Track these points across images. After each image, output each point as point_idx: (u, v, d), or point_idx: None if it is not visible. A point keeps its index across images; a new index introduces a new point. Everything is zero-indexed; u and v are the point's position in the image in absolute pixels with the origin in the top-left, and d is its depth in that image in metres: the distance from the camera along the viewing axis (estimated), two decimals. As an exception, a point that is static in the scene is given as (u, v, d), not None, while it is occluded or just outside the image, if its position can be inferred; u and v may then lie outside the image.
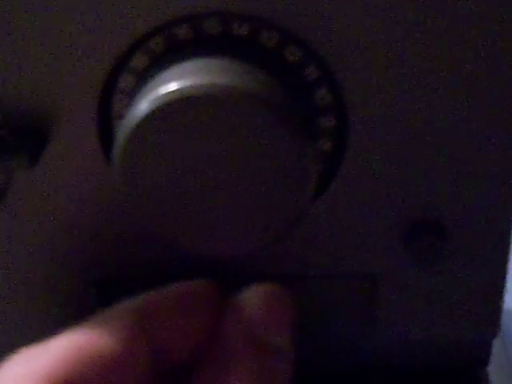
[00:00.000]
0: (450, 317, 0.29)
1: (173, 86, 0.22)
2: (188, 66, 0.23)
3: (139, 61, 0.25)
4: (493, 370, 0.32)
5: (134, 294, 0.30)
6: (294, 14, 0.24)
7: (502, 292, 0.29)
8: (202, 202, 0.23)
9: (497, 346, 0.33)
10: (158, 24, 0.24)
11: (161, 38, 0.24)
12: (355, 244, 0.27)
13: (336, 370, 0.31)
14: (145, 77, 0.24)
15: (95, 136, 0.25)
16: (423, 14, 0.24)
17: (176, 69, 0.23)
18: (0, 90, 0.25)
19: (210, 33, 0.24)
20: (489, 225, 0.27)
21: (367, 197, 0.26)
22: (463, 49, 0.24)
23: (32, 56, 0.24)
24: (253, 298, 0.25)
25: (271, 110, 0.22)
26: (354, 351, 0.31)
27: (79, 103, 0.25)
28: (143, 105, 0.22)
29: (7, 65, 0.24)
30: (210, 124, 0.22)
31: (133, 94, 0.24)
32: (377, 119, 0.25)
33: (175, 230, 0.24)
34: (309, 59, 0.24)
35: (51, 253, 0.28)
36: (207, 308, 0.25)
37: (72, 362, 0.22)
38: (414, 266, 0.28)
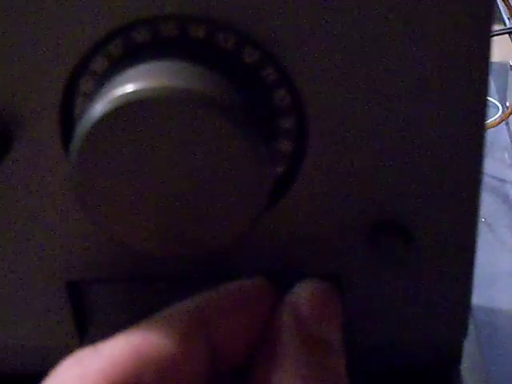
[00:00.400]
0: (419, 317, 0.29)
1: (127, 89, 0.22)
2: (145, 68, 0.23)
3: (99, 64, 0.25)
4: (466, 368, 0.32)
5: (104, 294, 0.30)
6: (251, 16, 0.24)
7: (469, 290, 0.29)
8: (156, 203, 0.23)
9: (470, 344, 0.33)
10: (116, 27, 0.24)
11: (119, 42, 0.25)
12: (319, 244, 0.27)
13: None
14: (103, 79, 0.24)
15: (58, 139, 0.26)
16: (379, 16, 0.24)
17: (133, 71, 0.23)
18: None
19: (168, 35, 0.24)
20: (454, 223, 0.27)
21: (329, 197, 0.26)
22: (419, 49, 0.24)
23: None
24: (303, 294, 0.25)
25: (223, 111, 0.22)
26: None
27: (41, 106, 0.25)
28: (98, 107, 0.22)
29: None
30: (164, 126, 0.23)
31: (92, 97, 0.25)
32: (336, 120, 0.25)
33: (130, 232, 0.24)
34: (267, 60, 0.25)
35: (19, 253, 0.28)
36: (261, 306, 0.25)
37: (129, 363, 0.22)
38: (379, 266, 0.28)
